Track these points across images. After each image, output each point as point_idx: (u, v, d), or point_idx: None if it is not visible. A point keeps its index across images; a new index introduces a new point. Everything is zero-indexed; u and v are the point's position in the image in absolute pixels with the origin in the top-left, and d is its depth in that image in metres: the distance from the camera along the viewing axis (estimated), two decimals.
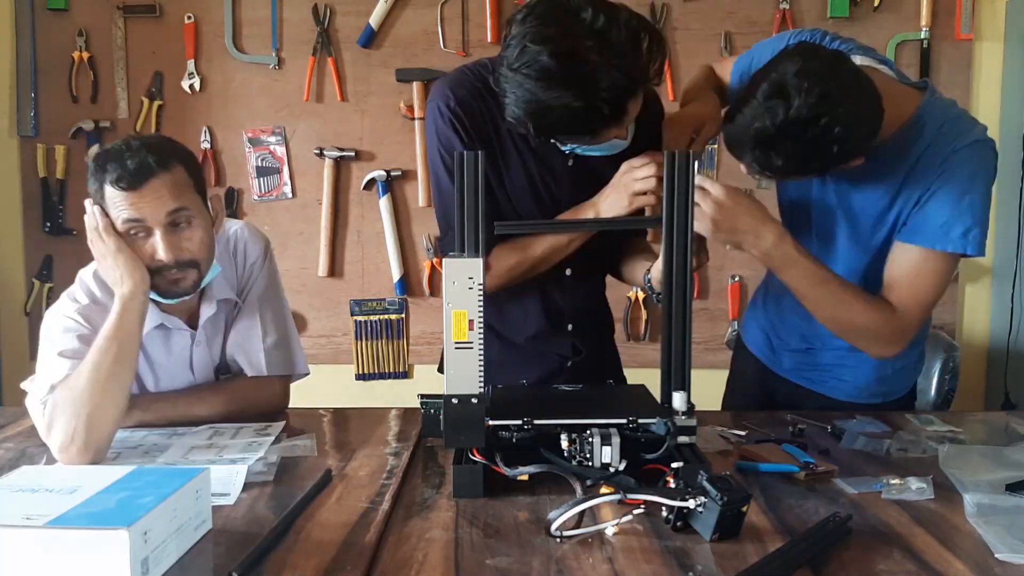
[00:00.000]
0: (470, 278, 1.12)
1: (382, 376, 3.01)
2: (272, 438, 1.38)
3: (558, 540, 0.98)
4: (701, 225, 1.37)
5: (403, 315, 3.00)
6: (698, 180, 1.30)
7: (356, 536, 1.00)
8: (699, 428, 1.20)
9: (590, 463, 1.14)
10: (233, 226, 1.64)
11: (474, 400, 1.14)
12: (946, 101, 1.45)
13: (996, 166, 1.43)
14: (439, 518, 1.07)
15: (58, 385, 1.34)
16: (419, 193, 2.92)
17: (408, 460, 1.29)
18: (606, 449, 1.14)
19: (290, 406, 1.61)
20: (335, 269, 2.98)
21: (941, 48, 2.83)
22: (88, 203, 1.39)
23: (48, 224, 2.93)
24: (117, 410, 1.32)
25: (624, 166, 1.45)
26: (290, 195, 2.97)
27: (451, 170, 1.48)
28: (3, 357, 2.99)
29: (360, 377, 3.00)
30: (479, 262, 1.13)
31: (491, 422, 1.16)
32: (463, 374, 1.13)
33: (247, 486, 1.17)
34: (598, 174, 1.48)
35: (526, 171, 1.51)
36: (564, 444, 1.15)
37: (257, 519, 1.06)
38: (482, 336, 1.12)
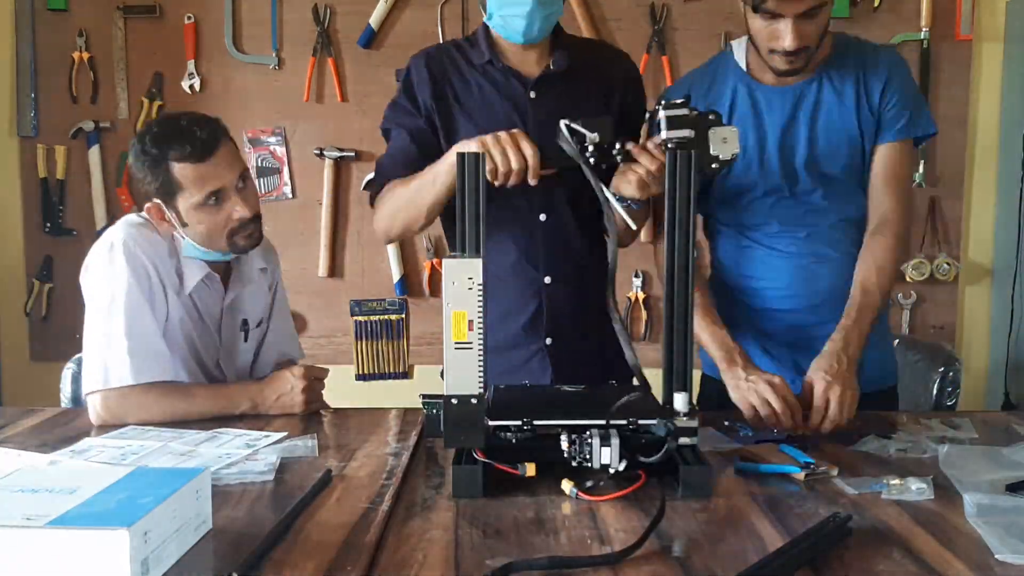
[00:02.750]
0: (470, 278, 1.12)
1: (382, 376, 2.98)
2: (272, 438, 1.38)
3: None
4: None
5: (403, 315, 2.97)
6: None
7: (356, 536, 1.00)
8: (700, 429, 1.20)
9: (589, 464, 1.14)
10: None
11: (474, 400, 1.14)
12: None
13: None
14: (439, 518, 1.07)
15: (121, 393, 1.45)
16: None
17: (408, 460, 1.29)
18: (605, 450, 1.14)
19: None
20: (335, 269, 2.98)
21: (941, 48, 2.82)
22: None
23: (48, 224, 2.93)
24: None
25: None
26: (290, 195, 2.97)
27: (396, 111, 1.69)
28: (3, 357, 2.99)
29: (360, 377, 2.96)
30: (479, 262, 1.13)
31: (491, 422, 1.16)
32: (463, 374, 1.13)
33: (247, 486, 1.17)
34: (556, 113, 1.45)
35: (491, 111, 1.65)
36: (564, 445, 1.15)
37: (257, 519, 1.06)
38: (482, 336, 1.12)
